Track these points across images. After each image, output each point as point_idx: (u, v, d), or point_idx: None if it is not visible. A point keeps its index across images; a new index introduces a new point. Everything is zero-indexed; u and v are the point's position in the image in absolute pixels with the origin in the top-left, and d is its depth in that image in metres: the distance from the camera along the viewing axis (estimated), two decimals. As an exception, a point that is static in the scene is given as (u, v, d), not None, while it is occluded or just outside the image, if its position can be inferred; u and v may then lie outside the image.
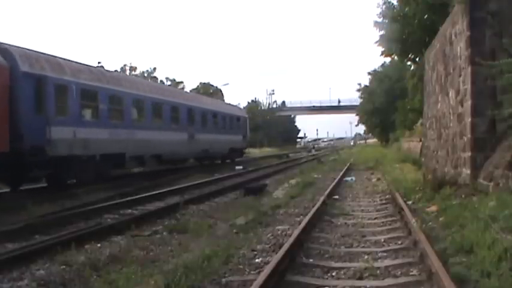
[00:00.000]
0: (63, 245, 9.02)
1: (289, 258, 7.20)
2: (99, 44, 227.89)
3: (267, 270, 6.20)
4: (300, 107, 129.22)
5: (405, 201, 12.75)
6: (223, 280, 6.59)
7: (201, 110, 34.40)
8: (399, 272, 6.80)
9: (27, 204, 13.93)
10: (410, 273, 6.72)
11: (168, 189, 19.05)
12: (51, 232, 10.85)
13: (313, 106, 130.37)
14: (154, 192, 17.69)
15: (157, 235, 10.72)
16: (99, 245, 9.71)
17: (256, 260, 7.68)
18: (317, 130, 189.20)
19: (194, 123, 32.76)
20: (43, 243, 9.33)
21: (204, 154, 34.52)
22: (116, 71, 46.91)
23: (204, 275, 6.63)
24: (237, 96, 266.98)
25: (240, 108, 52.64)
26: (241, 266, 7.35)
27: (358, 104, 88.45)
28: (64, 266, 8.00)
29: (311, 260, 7.61)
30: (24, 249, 8.90)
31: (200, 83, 62.53)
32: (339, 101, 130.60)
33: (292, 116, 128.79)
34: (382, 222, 11.13)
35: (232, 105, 50.07)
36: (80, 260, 8.26)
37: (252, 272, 6.96)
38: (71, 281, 7.27)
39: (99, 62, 47.70)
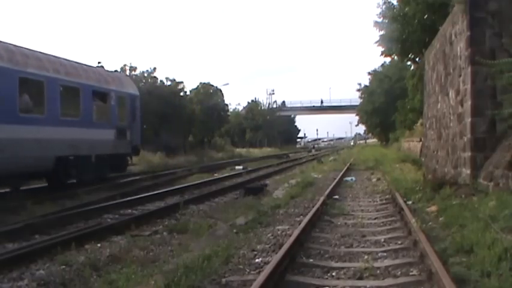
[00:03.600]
0: (63, 245, 9.04)
1: (289, 258, 7.19)
2: (99, 44, 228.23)
3: (267, 270, 6.18)
4: (300, 107, 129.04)
5: (405, 201, 12.74)
6: (223, 280, 6.57)
7: None
8: (399, 272, 6.79)
9: (27, 204, 13.95)
10: (410, 273, 6.71)
11: (168, 189, 19.04)
12: (51, 232, 10.85)
13: (313, 106, 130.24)
14: (154, 192, 17.68)
15: (158, 235, 10.73)
16: (99, 245, 9.72)
17: (256, 260, 7.67)
18: (317, 130, 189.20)
19: None
20: (43, 243, 9.32)
21: None
22: (116, 71, 47.01)
23: (204, 275, 6.62)
24: (237, 96, 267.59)
25: (115, 76, 25.90)
26: (241, 266, 7.33)
27: (358, 104, 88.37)
28: (64, 266, 8.00)
29: (311, 260, 7.61)
30: (24, 249, 8.90)
31: (200, 83, 62.35)
32: (322, 101, 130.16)
33: (292, 116, 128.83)
34: (382, 222, 11.12)
35: (89, 67, 22.56)
36: (80, 260, 8.27)
37: (252, 272, 6.95)
38: (71, 281, 7.28)
39: (99, 62, 47.57)
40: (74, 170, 19.51)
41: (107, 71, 23.89)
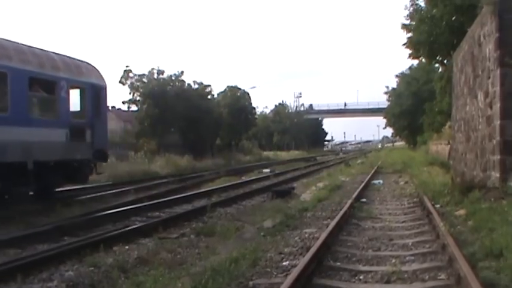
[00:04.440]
0: (91, 246, 9.16)
1: (316, 261, 7.18)
2: (128, 49, 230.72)
3: (294, 273, 6.19)
4: (327, 110, 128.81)
5: (433, 205, 12.63)
6: (251, 283, 6.59)
7: None
8: (427, 276, 6.73)
9: (56, 206, 14.14)
10: (439, 277, 6.65)
11: (196, 192, 19.15)
12: (80, 234, 11.00)
13: (340, 109, 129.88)
14: (181, 195, 17.79)
15: (185, 238, 10.80)
16: (127, 247, 9.82)
17: (284, 263, 7.67)
18: (344, 133, 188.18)
19: None
20: (72, 245, 9.46)
21: None
22: (144, 74, 47.31)
23: (231, 277, 6.65)
24: (264, 99, 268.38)
25: (71, 61, 18.32)
26: (268, 269, 7.33)
27: (385, 106, 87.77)
28: (92, 268, 8.10)
29: (338, 264, 7.59)
30: (54, 250, 9.04)
31: (227, 86, 62.47)
32: (345, 104, 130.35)
33: (320, 118, 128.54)
34: (410, 225, 11.04)
35: (29, 47, 16.28)
36: (108, 262, 8.37)
37: (279, 275, 6.94)
38: (99, 283, 7.38)
39: (127, 66, 47.99)
40: None
41: (58, 54, 17.75)
